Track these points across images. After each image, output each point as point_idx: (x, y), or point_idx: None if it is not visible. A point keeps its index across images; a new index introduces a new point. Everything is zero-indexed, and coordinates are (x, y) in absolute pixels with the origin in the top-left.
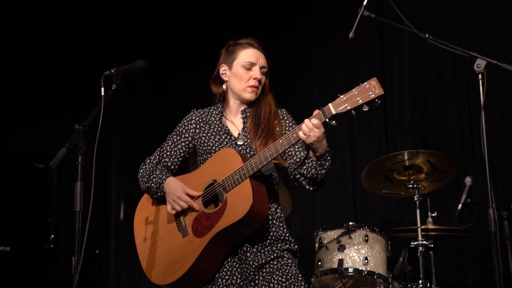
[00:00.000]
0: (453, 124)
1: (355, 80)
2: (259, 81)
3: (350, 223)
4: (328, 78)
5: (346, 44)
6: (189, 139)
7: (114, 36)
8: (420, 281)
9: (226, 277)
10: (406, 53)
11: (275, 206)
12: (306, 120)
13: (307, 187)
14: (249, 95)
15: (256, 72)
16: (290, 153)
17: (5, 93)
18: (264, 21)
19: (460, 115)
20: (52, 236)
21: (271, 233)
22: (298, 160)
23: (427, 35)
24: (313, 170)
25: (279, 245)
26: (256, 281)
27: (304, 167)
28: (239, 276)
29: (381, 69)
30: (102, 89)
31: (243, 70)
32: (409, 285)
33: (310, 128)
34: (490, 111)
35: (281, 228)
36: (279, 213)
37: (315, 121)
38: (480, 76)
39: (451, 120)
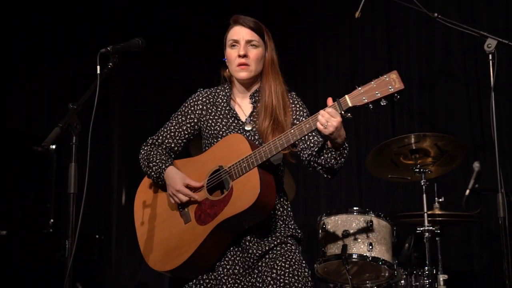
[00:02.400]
0: (461, 108)
1: (361, 63)
2: (247, 56)
3: (355, 208)
4: (333, 60)
5: (352, 26)
6: (195, 120)
7: (115, 16)
8: (426, 268)
9: (228, 266)
10: (413, 35)
11: (281, 195)
12: (322, 110)
13: (325, 175)
14: (240, 74)
15: (239, 48)
16: (303, 137)
17: (2, 75)
18: (269, 3)
19: (468, 99)
20: (52, 220)
21: (276, 223)
22: (312, 145)
23: (435, 14)
24: (333, 160)
25: (282, 231)
26: (260, 268)
27: (322, 157)
28: (241, 266)
29: (387, 51)
30: (98, 67)
31: (230, 50)
32: (414, 272)
33: (327, 118)
34: (500, 93)
35: (286, 217)
36: (283, 201)
37: (329, 109)
38: (490, 57)
39: (459, 104)
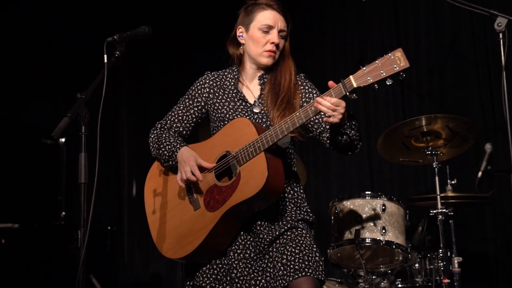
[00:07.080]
0: (471, 89)
1: (369, 45)
2: (277, 45)
3: (367, 192)
4: (340, 43)
5: (359, 7)
6: (202, 103)
7: (120, 4)
8: (440, 251)
9: (239, 251)
10: (422, 16)
11: (291, 178)
12: (325, 102)
13: (349, 153)
14: (265, 60)
15: (273, 35)
16: (315, 120)
17: (12, 67)
18: None
19: (479, 80)
20: (64, 213)
21: (286, 207)
22: (328, 126)
23: None
24: (339, 137)
25: (293, 215)
26: (271, 253)
27: (336, 145)
28: (252, 250)
29: (396, 33)
30: (105, 56)
31: (260, 33)
32: (428, 255)
33: (333, 108)
34: (511, 73)
35: (297, 201)
36: (294, 185)
37: (332, 100)
38: (501, 36)
39: (469, 85)
